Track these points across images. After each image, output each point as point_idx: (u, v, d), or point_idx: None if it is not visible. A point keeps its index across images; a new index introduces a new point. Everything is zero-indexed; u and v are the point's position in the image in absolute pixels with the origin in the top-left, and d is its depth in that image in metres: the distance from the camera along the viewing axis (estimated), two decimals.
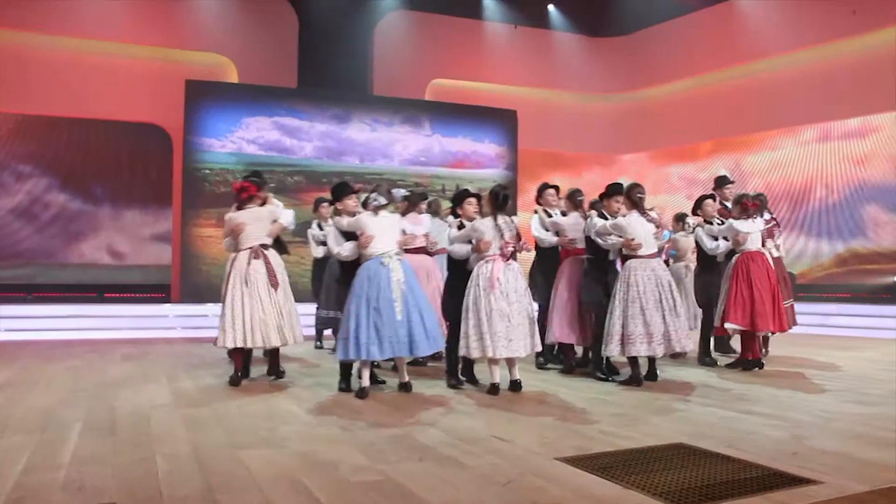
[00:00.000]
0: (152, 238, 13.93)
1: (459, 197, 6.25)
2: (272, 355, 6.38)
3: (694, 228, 7.80)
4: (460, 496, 3.07)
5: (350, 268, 5.82)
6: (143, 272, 13.79)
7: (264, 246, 6.12)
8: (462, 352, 5.79)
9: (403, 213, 6.85)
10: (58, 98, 12.99)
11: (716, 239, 7.40)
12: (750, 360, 7.09)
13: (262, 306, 5.93)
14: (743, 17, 14.79)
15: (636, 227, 6.16)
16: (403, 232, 6.01)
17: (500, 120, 15.53)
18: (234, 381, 6.12)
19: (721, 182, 8.10)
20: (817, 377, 6.67)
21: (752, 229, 7.17)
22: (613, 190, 6.53)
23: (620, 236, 6.19)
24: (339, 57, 14.39)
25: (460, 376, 6.22)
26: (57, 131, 13.24)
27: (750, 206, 7.19)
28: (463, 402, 5.39)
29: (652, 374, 6.34)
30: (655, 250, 6.31)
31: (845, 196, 13.58)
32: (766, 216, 7.79)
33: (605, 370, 6.53)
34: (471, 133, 15.28)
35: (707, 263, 7.65)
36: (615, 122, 17.03)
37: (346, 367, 5.92)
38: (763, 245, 7.40)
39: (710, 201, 7.77)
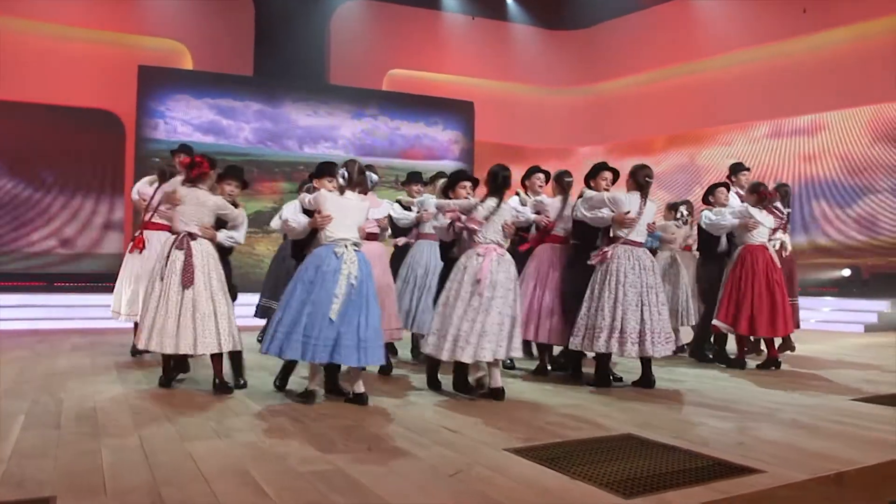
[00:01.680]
0: (104, 226, 13.69)
1: (454, 179, 5.55)
2: (214, 363, 5.40)
3: (686, 219, 7.52)
4: (408, 486, 3.07)
5: (302, 258, 5.14)
6: (95, 261, 13.55)
7: (192, 236, 5.28)
8: (428, 349, 5.17)
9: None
10: (5, 81, 12.68)
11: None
12: (736, 359, 6.88)
13: (167, 307, 5.12)
14: (697, 14, 14.98)
15: (634, 205, 5.71)
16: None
17: (457, 111, 15.54)
18: (162, 383, 5.53)
19: (736, 169, 7.72)
20: (767, 370, 6.78)
21: (764, 221, 6.83)
22: (601, 167, 6.07)
23: (613, 210, 5.69)
24: (296, 45, 14.27)
25: (429, 383, 5.57)
26: (4, 115, 12.92)
27: (767, 194, 6.85)
28: (417, 394, 5.38)
29: (646, 380, 5.74)
30: (644, 239, 5.84)
31: (795, 192, 13.82)
32: (784, 209, 7.67)
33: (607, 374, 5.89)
34: (427, 124, 15.27)
35: (709, 254, 7.29)
36: (572, 115, 17.15)
37: (287, 363, 5.30)
38: (771, 237, 7.24)
39: (723, 189, 7.35)
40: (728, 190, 7.42)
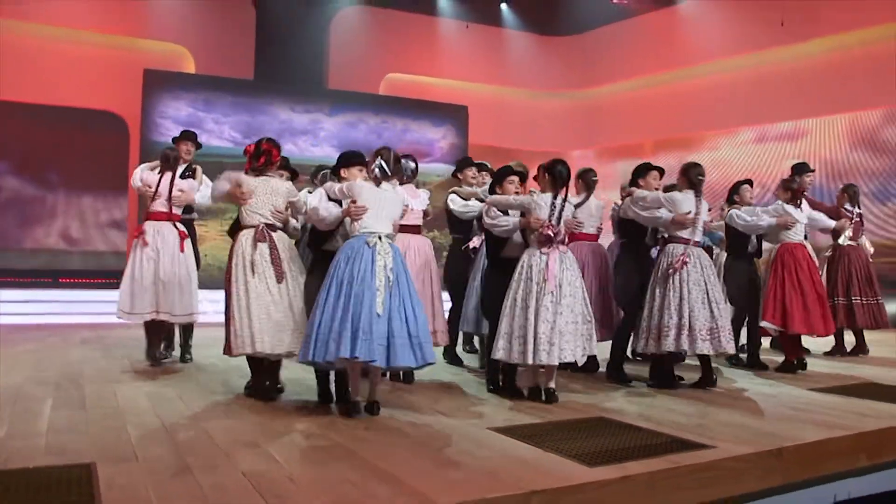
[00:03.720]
0: (108, 224, 14.08)
1: (501, 175, 5.42)
2: (272, 365, 5.12)
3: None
4: (399, 456, 3.50)
5: (322, 252, 4.89)
6: (98, 258, 13.94)
7: (272, 227, 4.98)
8: (499, 354, 5.00)
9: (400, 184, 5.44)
10: (12, 82, 13.00)
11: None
12: (788, 363, 6.56)
13: (271, 301, 4.82)
14: (685, 23, 15.45)
15: (690, 204, 5.65)
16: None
17: (452, 115, 15.96)
18: (265, 395, 4.97)
19: (801, 170, 7.62)
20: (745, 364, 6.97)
21: (800, 217, 6.71)
22: (647, 167, 6.07)
23: (671, 211, 5.62)
24: (296, 50, 14.63)
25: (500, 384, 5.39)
26: (11, 116, 13.27)
27: (801, 190, 6.82)
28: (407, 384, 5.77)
29: (708, 378, 5.65)
30: (700, 238, 5.81)
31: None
32: (857, 210, 7.80)
33: (623, 374, 5.90)
34: (422, 127, 15.68)
35: (737, 253, 6.91)
36: (564, 119, 17.57)
37: (320, 375, 4.88)
38: (855, 240, 7.43)
39: (747, 186, 6.99)
40: (752, 187, 7.14)
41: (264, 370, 5.08)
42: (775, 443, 3.82)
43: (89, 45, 13.76)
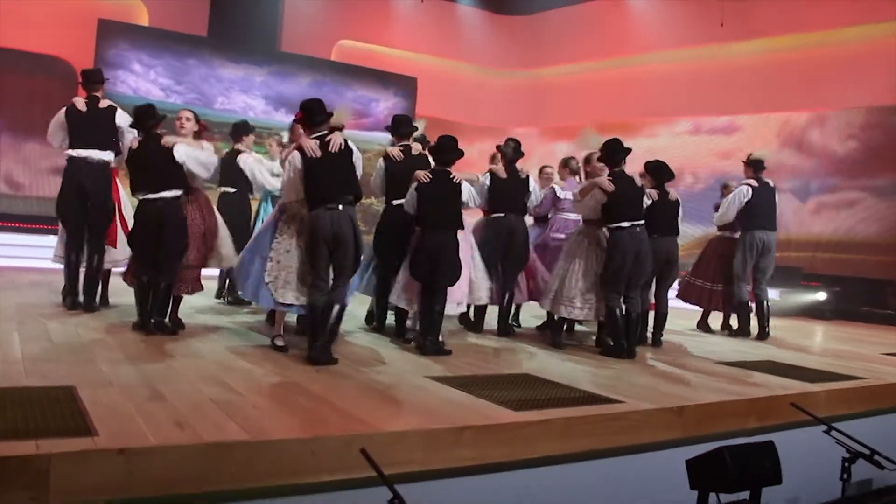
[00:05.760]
0: (52, 171, 14.03)
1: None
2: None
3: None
4: (346, 394, 3.96)
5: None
6: (41, 204, 13.91)
7: None
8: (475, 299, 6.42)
9: None
10: None
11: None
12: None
13: None
14: (630, 13, 16.04)
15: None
16: None
17: (400, 85, 16.25)
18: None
19: (757, 166, 8.40)
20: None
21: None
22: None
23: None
24: (250, 10, 14.72)
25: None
26: None
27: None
28: (353, 335, 6.22)
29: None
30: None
31: (709, 185, 15.01)
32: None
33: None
34: (368, 92, 15.95)
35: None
36: (510, 96, 18.02)
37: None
38: None
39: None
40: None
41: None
42: (678, 402, 4.39)
43: None
